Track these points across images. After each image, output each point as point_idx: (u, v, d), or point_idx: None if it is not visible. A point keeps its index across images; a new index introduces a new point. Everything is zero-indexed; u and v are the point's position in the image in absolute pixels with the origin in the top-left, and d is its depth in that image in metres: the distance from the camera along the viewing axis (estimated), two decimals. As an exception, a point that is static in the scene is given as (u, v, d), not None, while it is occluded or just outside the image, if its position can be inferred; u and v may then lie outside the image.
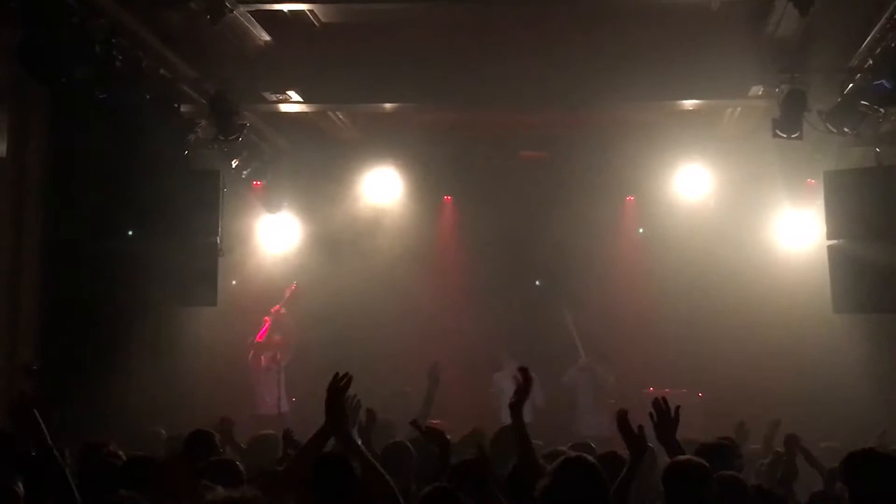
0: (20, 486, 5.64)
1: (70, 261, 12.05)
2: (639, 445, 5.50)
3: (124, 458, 6.85)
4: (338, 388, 5.34)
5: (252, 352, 15.39)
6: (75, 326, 11.94)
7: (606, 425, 14.27)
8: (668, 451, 5.84)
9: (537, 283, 16.97)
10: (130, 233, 12.56)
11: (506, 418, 13.69)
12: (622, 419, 5.60)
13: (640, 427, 5.57)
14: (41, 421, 5.55)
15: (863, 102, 10.98)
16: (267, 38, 12.36)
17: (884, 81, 10.45)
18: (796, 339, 14.78)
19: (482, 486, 5.53)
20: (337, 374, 5.39)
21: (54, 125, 11.89)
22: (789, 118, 11.71)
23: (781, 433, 9.15)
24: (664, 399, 5.72)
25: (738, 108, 14.26)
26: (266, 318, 15.52)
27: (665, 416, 5.71)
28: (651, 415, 5.70)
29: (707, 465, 5.54)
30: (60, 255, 12.02)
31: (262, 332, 15.50)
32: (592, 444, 8.37)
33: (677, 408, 5.64)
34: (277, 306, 15.54)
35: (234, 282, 15.14)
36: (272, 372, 15.10)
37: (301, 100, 13.40)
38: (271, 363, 15.18)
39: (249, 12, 11.62)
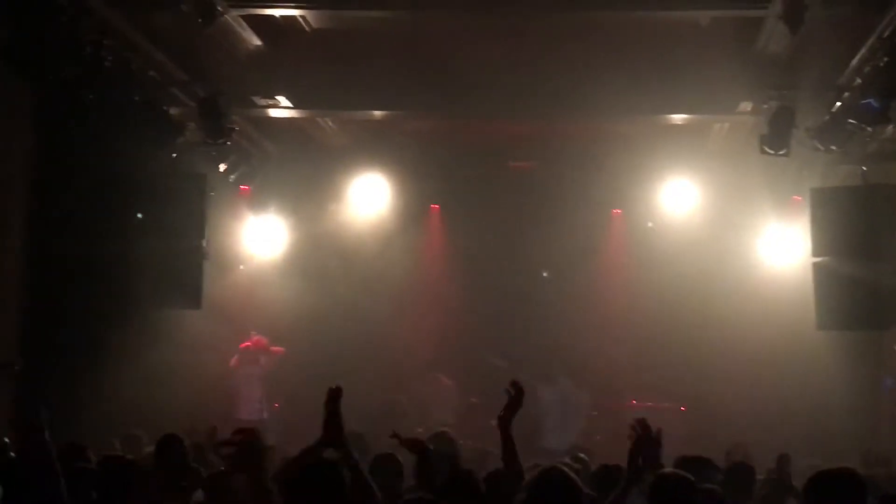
0: None
1: (54, 262, 11.99)
2: (641, 473, 5.35)
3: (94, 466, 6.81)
4: (334, 401, 5.33)
5: (236, 356, 15.33)
6: (58, 327, 11.88)
7: (575, 442, 14.16)
8: (651, 473, 5.73)
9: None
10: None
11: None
12: (640, 442, 5.38)
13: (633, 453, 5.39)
14: (50, 442, 5.56)
15: (850, 121, 11.01)
16: (258, 42, 12.34)
17: (872, 100, 10.49)
18: (780, 355, 14.81)
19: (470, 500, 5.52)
20: (332, 387, 5.37)
21: (41, 125, 11.84)
22: (777, 134, 11.75)
23: (761, 452, 9.17)
24: (644, 421, 5.43)
25: (727, 124, 14.29)
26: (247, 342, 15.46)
27: (646, 439, 5.38)
28: (630, 436, 5.39)
29: (692, 478, 5.53)
30: (45, 256, 11.96)
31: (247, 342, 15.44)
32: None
33: (658, 430, 5.39)
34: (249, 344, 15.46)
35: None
36: (255, 377, 15.05)
37: (290, 105, 13.39)
38: (254, 368, 15.13)
39: (241, 16, 11.59)
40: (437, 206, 17.25)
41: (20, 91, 11.17)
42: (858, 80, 10.95)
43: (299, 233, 16.40)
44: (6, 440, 7.33)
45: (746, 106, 12.59)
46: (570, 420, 14.78)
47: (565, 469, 5.09)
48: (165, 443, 7.38)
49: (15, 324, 11.68)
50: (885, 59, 10.07)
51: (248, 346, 15.28)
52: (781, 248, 15.11)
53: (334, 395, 5.30)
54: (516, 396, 5.89)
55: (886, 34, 9.98)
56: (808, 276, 12.86)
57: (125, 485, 5.84)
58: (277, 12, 11.75)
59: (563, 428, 14.53)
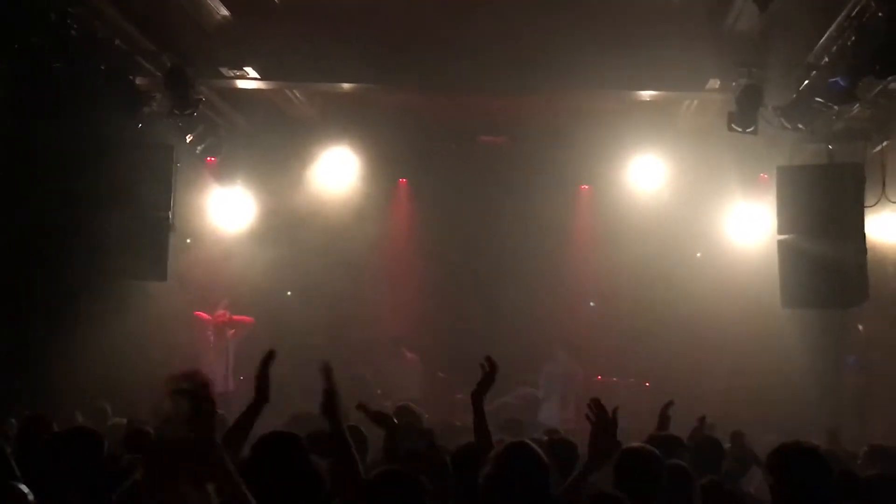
0: None
1: (19, 232, 11.88)
2: (606, 452, 5.38)
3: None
4: (266, 363, 5.28)
5: (206, 326, 15.26)
6: (23, 299, 11.79)
7: (571, 419, 14.30)
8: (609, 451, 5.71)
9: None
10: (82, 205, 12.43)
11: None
12: (599, 423, 5.40)
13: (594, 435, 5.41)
14: None
15: (817, 99, 11.08)
16: (225, 12, 12.24)
17: (839, 79, 10.55)
18: (745, 333, 14.91)
19: (436, 473, 5.51)
20: (270, 350, 5.32)
21: (6, 94, 11.69)
22: (745, 112, 11.79)
23: (726, 426, 9.23)
24: (598, 402, 5.41)
25: (695, 101, 14.33)
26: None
27: (603, 419, 5.33)
28: (587, 416, 5.43)
29: (658, 453, 5.55)
30: (9, 226, 11.85)
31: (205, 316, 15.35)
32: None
33: (615, 409, 5.38)
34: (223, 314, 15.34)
35: (188, 240, 15.08)
36: (221, 348, 14.99)
37: (258, 76, 13.29)
38: (220, 340, 15.07)
39: (209, -14, 11.52)
40: (405, 180, 17.23)
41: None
42: (826, 59, 11.01)
43: (266, 205, 16.32)
44: None
45: (715, 83, 12.62)
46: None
47: (532, 444, 5.09)
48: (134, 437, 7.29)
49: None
50: (853, 38, 10.12)
51: (201, 315, 15.19)
52: (748, 226, 15.22)
53: (267, 358, 5.26)
54: (490, 373, 5.87)
55: (854, 13, 10.03)
56: (774, 253, 12.94)
57: (89, 457, 5.76)
58: (245, -18, 11.67)
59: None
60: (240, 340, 15.04)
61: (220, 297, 15.39)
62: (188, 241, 15.25)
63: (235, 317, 15.20)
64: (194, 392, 4.01)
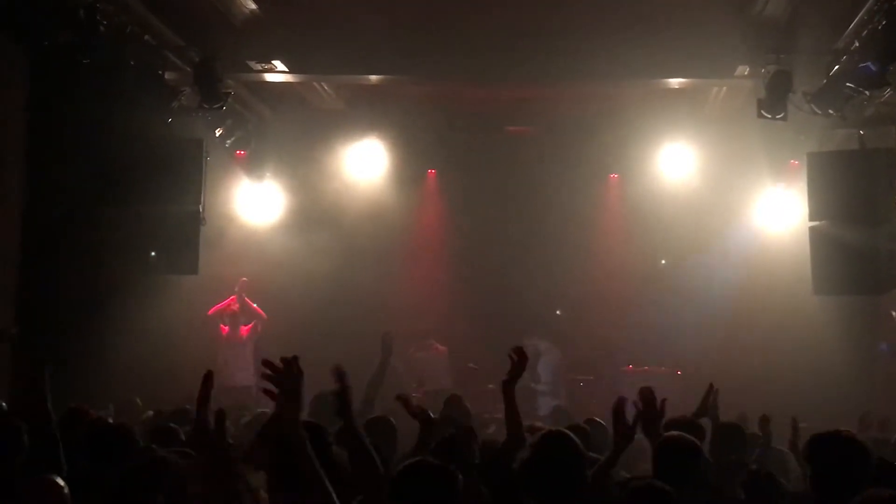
0: None
1: (50, 228, 11.98)
2: (627, 436, 5.46)
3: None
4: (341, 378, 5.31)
5: (220, 317, 15.29)
6: (54, 294, 11.88)
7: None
8: (651, 443, 5.78)
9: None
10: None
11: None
12: (619, 407, 5.51)
13: (634, 419, 5.50)
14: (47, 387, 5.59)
15: (848, 85, 10.99)
16: (253, 6, 12.27)
17: (869, 64, 10.46)
18: (776, 320, 14.84)
19: (464, 461, 5.52)
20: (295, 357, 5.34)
21: (36, 90, 11.78)
22: (774, 99, 11.72)
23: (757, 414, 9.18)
24: (650, 390, 5.56)
25: (724, 88, 14.25)
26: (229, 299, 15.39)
27: (651, 407, 5.57)
28: (635, 403, 5.56)
29: (698, 443, 5.56)
30: (41, 222, 11.94)
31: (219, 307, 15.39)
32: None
33: (663, 401, 5.51)
34: (233, 298, 15.35)
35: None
36: (236, 340, 14.98)
37: (286, 70, 13.32)
38: (236, 331, 15.05)
39: (236, -20, 11.55)
40: (433, 170, 17.24)
41: (16, 55, 11.11)
42: (856, 44, 10.92)
43: (296, 197, 16.35)
44: (3, 404, 7.34)
45: (744, 70, 12.54)
46: (561, 380, 15.03)
47: (569, 432, 5.14)
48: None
49: (12, 290, 11.66)
50: (884, 22, 10.03)
51: (214, 308, 15.23)
52: (778, 213, 15.12)
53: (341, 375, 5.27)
54: (520, 362, 5.87)
55: (885, -3, 9.95)
56: (805, 240, 12.87)
57: (116, 451, 5.80)
58: (273, -25, 11.69)
59: (554, 391, 14.76)
60: (261, 335, 15.05)
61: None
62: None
63: (250, 302, 15.19)
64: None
